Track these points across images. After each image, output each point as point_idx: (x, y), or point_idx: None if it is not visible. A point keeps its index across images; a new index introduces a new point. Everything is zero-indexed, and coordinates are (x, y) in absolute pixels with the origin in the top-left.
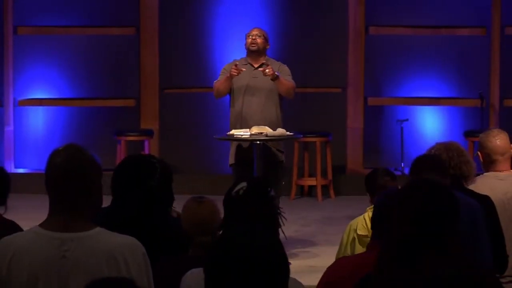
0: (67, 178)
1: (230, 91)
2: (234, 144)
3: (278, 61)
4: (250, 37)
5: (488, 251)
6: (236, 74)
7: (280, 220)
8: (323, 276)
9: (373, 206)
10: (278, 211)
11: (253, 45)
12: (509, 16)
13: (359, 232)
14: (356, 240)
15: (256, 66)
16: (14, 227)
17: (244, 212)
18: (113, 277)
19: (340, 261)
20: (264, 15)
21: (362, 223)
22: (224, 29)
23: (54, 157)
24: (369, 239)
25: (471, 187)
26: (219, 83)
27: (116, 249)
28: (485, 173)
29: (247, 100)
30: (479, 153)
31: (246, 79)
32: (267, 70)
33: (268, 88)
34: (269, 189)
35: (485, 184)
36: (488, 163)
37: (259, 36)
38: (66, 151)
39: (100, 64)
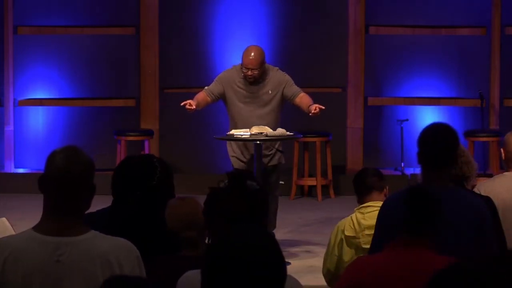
0: (65, 183)
1: (226, 103)
2: (233, 147)
3: (275, 66)
4: (246, 70)
5: (495, 252)
6: (190, 111)
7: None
8: (342, 277)
9: (363, 206)
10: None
11: (250, 78)
12: (509, 16)
13: (346, 233)
14: (344, 241)
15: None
16: None
17: (225, 205)
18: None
19: (360, 261)
20: (264, 15)
21: (350, 224)
22: (224, 29)
23: (51, 160)
24: (357, 240)
25: (488, 184)
26: (200, 97)
27: (110, 253)
28: (504, 173)
29: (245, 116)
30: (502, 150)
31: (243, 95)
32: (316, 111)
33: (266, 101)
34: (249, 182)
35: (503, 184)
36: (508, 162)
37: (256, 70)
38: (64, 154)
39: (100, 64)
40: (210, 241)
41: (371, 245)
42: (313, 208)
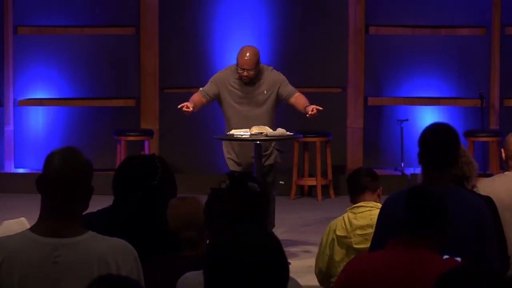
0: (63, 184)
1: (221, 104)
2: (228, 149)
3: (275, 66)
4: (241, 71)
5: (495, 252)
6: (187, 113)
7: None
8: (341, 274)
9: (355, 206)
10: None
11: (245, 78)
12: (509, 16)
13: (338, 233)
14: (335, 241)
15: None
16: None
17: (225, 206)
18: (118, 276)
19: (360, 259)
20: (264, 15)
21: (341, 223)
22: (224, 29)
23: (49, 161)
24: (348, 240)
25: (488, 183)
26: (196, 99)
27: (107, 254)
28: (505, 172)
29: (240, 116)
30: (502, 149)
31: (238, 96)
32: (313, 112)
33: (261, 101)
34: (251, 184)
35: (503, 184)
36: (508, 161)
37: (251, 70)
38: (61, 155)
39: (100, 64)
40: (210, 241)
41: (371, 244)
42: (313, 208)
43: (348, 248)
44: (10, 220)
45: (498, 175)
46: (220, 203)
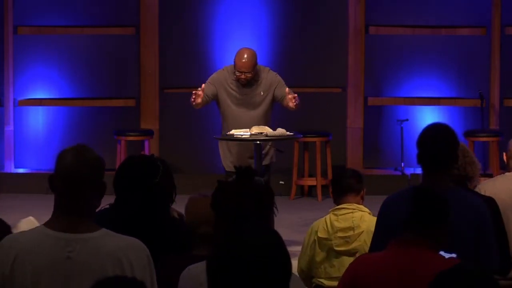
0: (74, 181)
1: (218, 104)
2: (224, 150)
3: (267, 66)
4: (239, 74)
5: (495, 252)
6: (195, 100)
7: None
8: (344, 274)
9: (337, 207)
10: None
11: (243, 80)
12: (509, 16)
13: (319, 235)
14: (316, 242)
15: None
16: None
17: (231, 200)
18: (120, 277)
19: (362, 258)
20: (264, 15)
21: (323, 225)
22: (224, 28)
23: (60, 159)
24: (329, 242)
25: (490, 184)
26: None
27: (120, 251)
28: (506, 173)
29: (236, 117)
30: (504, 154)
31: (235, 97)
32: (293, 104)
33: (258, 103)
34: (257, 178)
35: (504, 183)
36: (509, 162)
37: (248, 73)
38: (72, 153)
39: (100, 64)
40: (215, 236)
41: (371, 244)
42: (313, 208)
43: (329, 250)
44: (21, 223)
45: (499, 176)
46: (227, 198)
